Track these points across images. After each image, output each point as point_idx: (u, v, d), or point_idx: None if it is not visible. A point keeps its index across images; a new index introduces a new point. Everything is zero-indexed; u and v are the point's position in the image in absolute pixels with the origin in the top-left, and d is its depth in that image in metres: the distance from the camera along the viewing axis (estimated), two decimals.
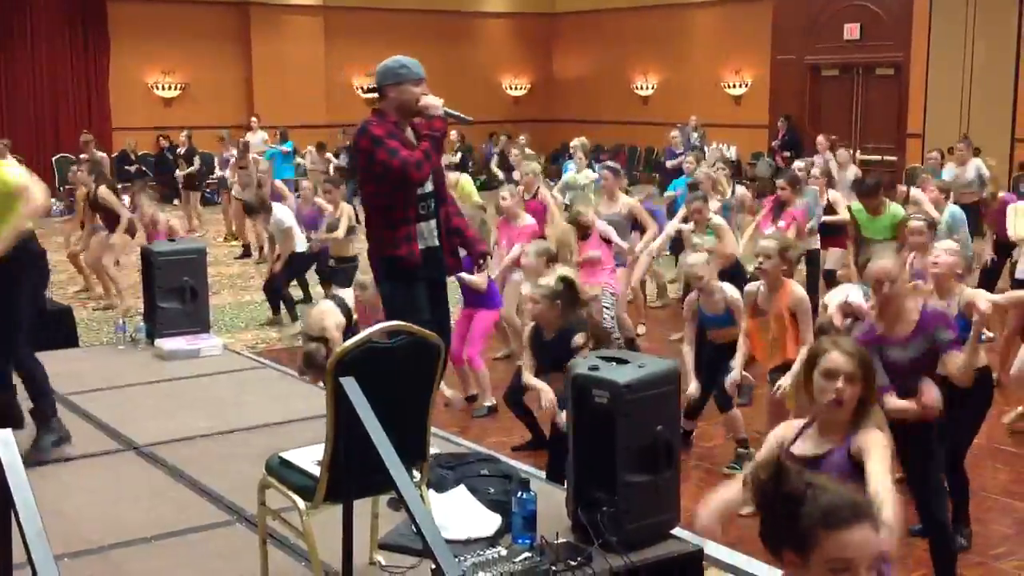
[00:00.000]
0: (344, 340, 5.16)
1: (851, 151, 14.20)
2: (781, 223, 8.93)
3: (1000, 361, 7.26)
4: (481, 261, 5.46)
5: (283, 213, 10.19)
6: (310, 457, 3.86)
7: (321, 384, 5.46)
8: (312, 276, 10.71)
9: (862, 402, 3.25)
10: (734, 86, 22.14)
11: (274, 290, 10.23)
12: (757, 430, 6.29)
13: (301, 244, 10.06)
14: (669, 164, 15.19)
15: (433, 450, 4.35)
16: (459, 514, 4.37)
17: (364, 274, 6.65)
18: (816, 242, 9.46)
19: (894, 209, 8.56)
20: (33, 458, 5.07)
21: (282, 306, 10.28)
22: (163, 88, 21.78)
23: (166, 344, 7.32)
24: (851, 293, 5.48)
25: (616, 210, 8.84)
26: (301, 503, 3.73)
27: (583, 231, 8.06)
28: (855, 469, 3.14)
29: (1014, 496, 6.00)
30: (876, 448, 3.14)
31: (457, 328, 6.94)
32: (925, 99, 17.86)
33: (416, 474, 3.92)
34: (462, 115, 5.29)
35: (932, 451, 4.61)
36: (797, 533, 2.07)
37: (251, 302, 11.36)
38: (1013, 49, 16.65)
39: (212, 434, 5.77)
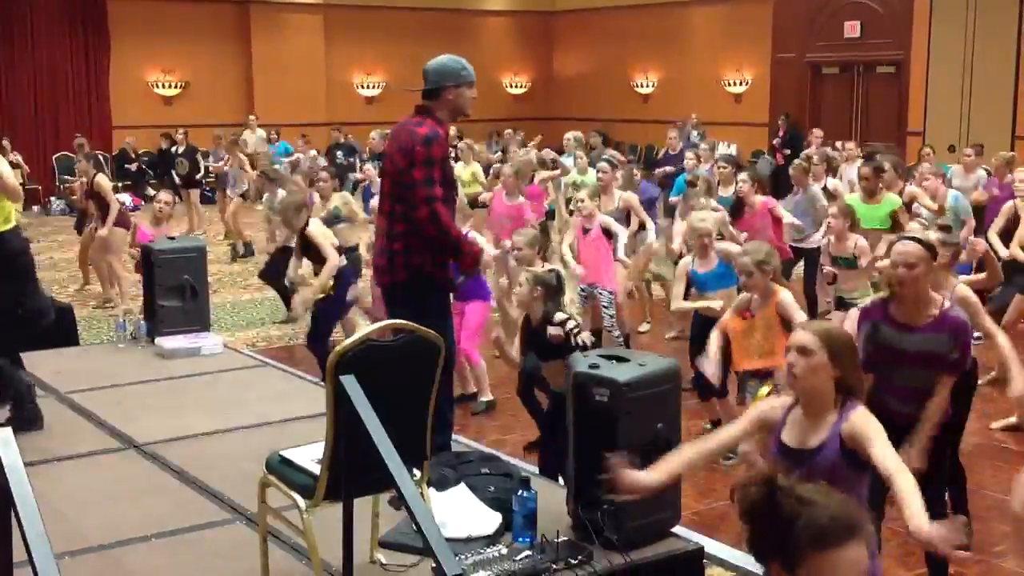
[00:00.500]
0: None
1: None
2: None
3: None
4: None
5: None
6: (310, 455, 3.86)
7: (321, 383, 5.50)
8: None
9: (844, 386, 3.21)
10: (734, 84, 22.13)
11: (272, 277, 10.07)
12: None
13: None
14: (668, 169, 15.13)
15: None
16: (459, 512, 4.37)
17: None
18: (814, 242, 9.38)
19: (891, 198, 8.55)
20: None
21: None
22: (163, 86, 21.76)
23: (166, 342, 7.32)
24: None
25: (613, 206, 8.86)
26: (301, 501, 3.73)
27: (584, 225, 8.09)
28: (850, 461, 3.12)
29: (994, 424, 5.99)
30: (870, 431, 3.11)
31: None
32: (925, 97, 17.85)
33: (416, 472, 3.92)
34: None
35: (940, 462, 4.48)
36: (786, 551, 2.04)
37: (251, 300, 11.35)
38: (1013, 47, 16.64)
39: (212, 432, 5.77)
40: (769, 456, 3.33)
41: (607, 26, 24.17)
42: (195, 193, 16.78)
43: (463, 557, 3.89)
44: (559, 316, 5.29)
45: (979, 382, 7.40)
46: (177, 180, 16.83)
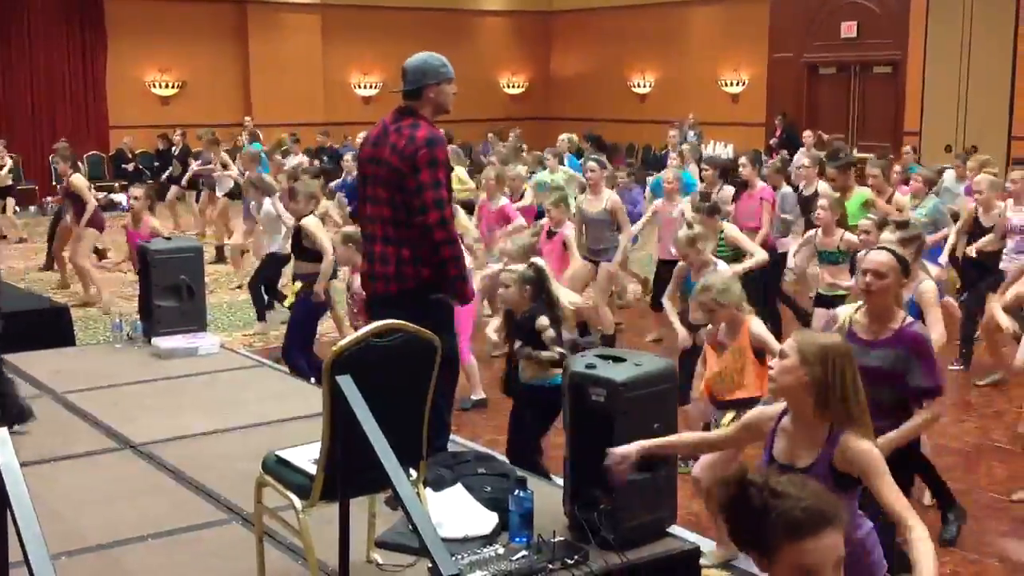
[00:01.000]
0: None
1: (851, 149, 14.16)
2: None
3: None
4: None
5: (276, 204, 10.13)
6: (307, 456, 3.86)
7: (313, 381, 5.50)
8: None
9: (828, 400, 3.11)
10: (731, 84, 22.14)
11: (256, 289, 10.07)
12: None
13: (276, 245, 9.79)
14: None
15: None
16: (456, 512, 4.37)
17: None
18: (785, 245, 9.35)
19: (860, 192, 8.57)
20: None
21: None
22: (160, 86, 21.75)
23: (163, 342, 7.31)
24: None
25: (601, 207, 8.91)
26: (298, 501, 3.73)
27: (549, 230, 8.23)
28: (839, 484, 3.07)
29: (1010, 494, 6.00)
30: (871, 467, 3.07)
31: None
32: (922, 97, 17.87)
33: (413, 472, 3.92)
34: None
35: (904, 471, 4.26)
36: (761, 542, 2.12)
37: (248, 300, 11.33)
38: (1010, 47, 16.65)
39: (209, 432, 5.76)
40: (758, 468, 3.30)
41: (604, 26, 24.18)
42: (189, 195, 16.65)
43: (459, 557, 3.89)
44: (542, 321, 5.36)
45: (980, 382, 7.43)
46: (169, 181, 16.75)
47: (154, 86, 21.73)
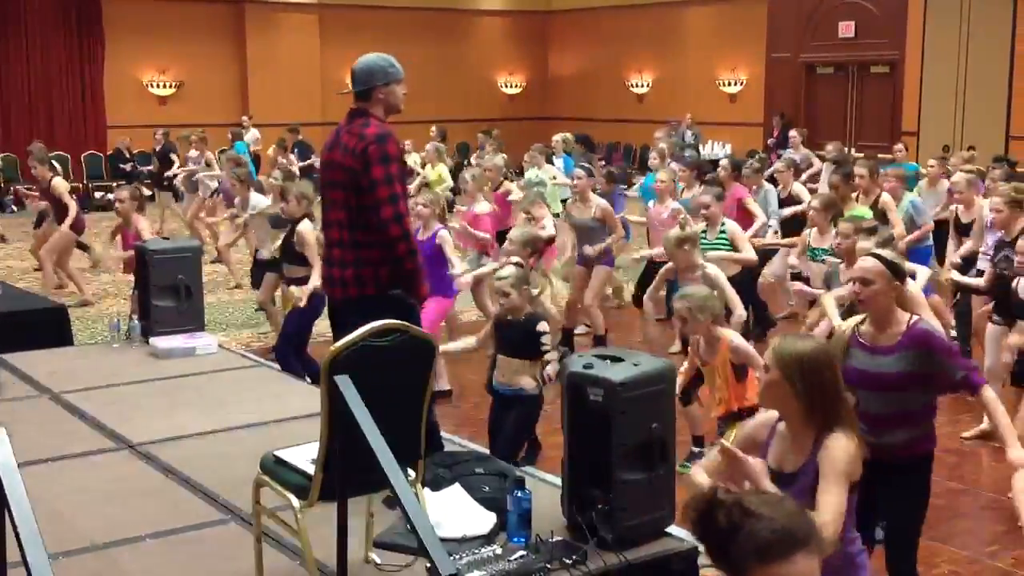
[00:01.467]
0: None
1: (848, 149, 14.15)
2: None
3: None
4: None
5: (262, 200, 10.13)
6: (305, 455, 3.86)
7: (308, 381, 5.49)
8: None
9: (817, 409, 3.13)
10: (729, 84, 22.16)
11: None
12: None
13: (265, 246, 9.62)
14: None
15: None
16: (454, 512, 4.37)
17: None
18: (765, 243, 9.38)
19: (860, 210, 8.54)
20: None
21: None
22: (158, 86, 21.75)
23: (161, 342, 7.30)
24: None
25: (589, 214, 8.92)
26: (296, 501, 3.73)
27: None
28: None
29: (1007, 493, 6.00)
30: (828, 466, 3.08)
31: None
32: (920, 97, 17.89)
33: (411, 472, 3.92)
34: None
35: (922, 502, 4.23)
36: (732, 563, 2.01)
37: (245, 300, 11.34)
38: (1008, 47, 16.67)
39: (207, 432, 5.76)
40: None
41: (602, 26, 24.19)
42: (167, 196, 16.38)
43: (458, 557, 3.89)
44: (543, 327, 5.39)
45: (964, 436, 7.38)
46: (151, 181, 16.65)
47: (151, 86, 21.72)
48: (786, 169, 10.24)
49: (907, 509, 4.18)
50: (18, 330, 7.50)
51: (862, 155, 16.85)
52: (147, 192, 15.64)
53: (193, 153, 14.89)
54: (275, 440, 4.76)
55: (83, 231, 11.43)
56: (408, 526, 3.29)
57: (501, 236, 9.40)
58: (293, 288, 7.71)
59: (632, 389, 4.04)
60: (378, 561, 4.12)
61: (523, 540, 4.07)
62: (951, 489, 6.08)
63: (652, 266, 8.70)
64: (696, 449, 6.30)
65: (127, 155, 20.34)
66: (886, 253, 4.30)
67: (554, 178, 11.70)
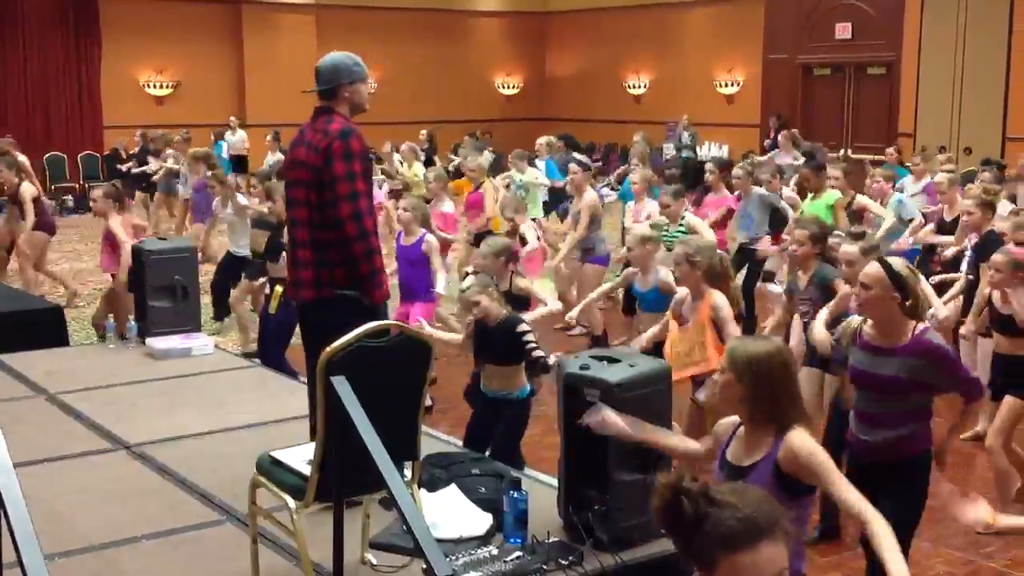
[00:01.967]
0: None
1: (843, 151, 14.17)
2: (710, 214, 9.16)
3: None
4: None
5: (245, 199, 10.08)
6: (301, 456, 3.86)
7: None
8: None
9: (772, 411, 3.16)
10: (726, 85, 22.17)
11: (220, 291, 9.98)
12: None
13: (239, 245, 9.57)
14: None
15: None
16: (450, 513, 4.37)
17: None
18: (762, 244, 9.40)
19: (831, 193, 8.61)
20: None
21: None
22: (155, 86, 21.73)
23: (157, 343, 7.30)
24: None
25: (575, 209, 8.97)
26: (292, 502, 3.73)
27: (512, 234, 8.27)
28: (783, 488, 3.07)
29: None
30: (819, 468, 3.09)
31: None
32: (916, 98, 17.90)
33: (407, 473, 3.92)
34: None
35: (913, 503, 4.21)
36: (698, 553, 2.01)
37: None
38: (1004, 48, 16.69)
39: (203, 433, 5.75)
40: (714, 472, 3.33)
41: (600, 27, 24.20)
42: (145, 196, 16.33)
43: (454, 558, 3.89)
44: (523, 327, 5.35)
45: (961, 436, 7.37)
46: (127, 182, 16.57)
47: (149, 86, 21.71)
48: (773, 178, 10.22)
49: (898, 509, 4.18)
50: (14, 330, 7.49)
51: (839, 156, 16.95)
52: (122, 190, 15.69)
53: (169, 152, 14.93)
54: (272, 441, 4.75)
55: (54, 231, 11.29)
56: (404, 527, 3.29)
57: (479, 238, 9.48)
58: (279, 287, 7.69)
59: (629, 390, 4.04)
60: (374, 562, 4.12)
61: (519, 541, 4.08)
62: (948, 490, 6.08)
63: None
64: None
65: (124, 155, 20.30)
66: (895, 262, 4.24)
67: (536, 179, 11.74)
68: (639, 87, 24.05)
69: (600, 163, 20.60)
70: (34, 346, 7.35)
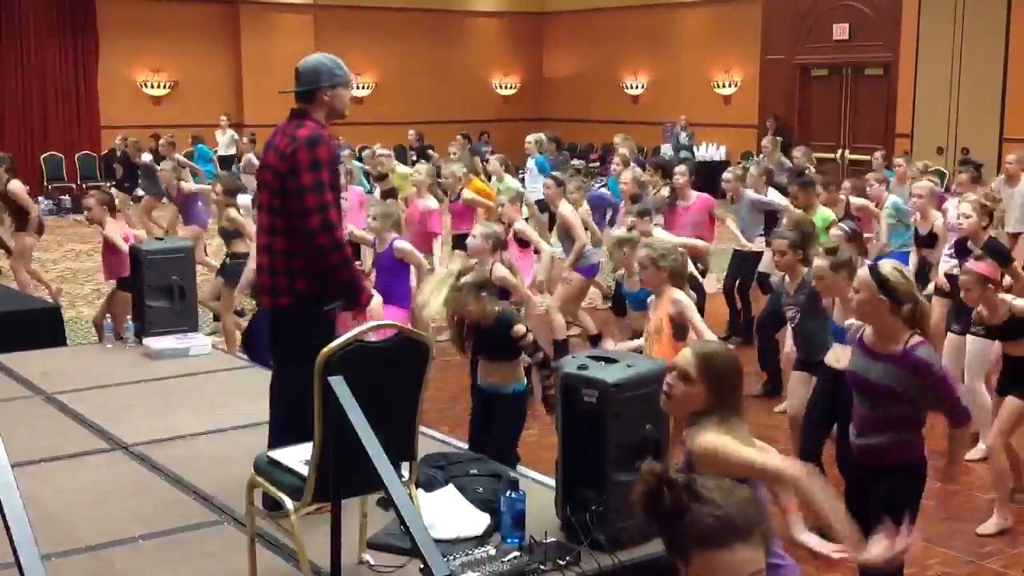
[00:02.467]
0: None
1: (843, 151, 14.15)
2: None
3: None
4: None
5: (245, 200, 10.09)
6: (298, 456, 3.85)
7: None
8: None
9: (707, 409, 3.14)
10: (723, 86, 22.17)
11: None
12: None
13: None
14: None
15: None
16: (448, 513, 4.37)
17: None
18: (757, 245, 9.39)
19: (823, 213, 8.57)
20: None
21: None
22: (152, 86, 21.72)
23: (154, 343, 7.29)
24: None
25: (559, 223, 8.94)
26: (289, 503, 3.73)
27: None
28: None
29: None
30: (716, 453, 3.04)
31: None
32: (914, 99, 17.90)
33: (404, 473, 3.92)
34: None
35: (906, 510, 4.13)
36: (676, 545, 2.02)
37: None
38: (1001, 49, 16.69)
39: (201, 433, 5.75)
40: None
41: (597, 27, 24.19)
42: (123, 197, 16.35)
43: (451, 558, 3.90)
44: (519, 328, 5.34)
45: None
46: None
47: (146, 86, 21.69)
48: (759, 177, 10.18)
49: (894, 515, 4.17)
50: (11, 330, 7.49)
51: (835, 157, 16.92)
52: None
53: (147, 157, 14.95)
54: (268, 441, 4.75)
55: (43, 233, 11.27)
56: (402, 527, 3.29)
57: (460, 240, 9.50)
58: None
59: (626, 390, 4.04)
60: (372, 562, 4.12)
61: (517, 541, 4.08)
62: (945, 491, 6.09)
63: None
64: None
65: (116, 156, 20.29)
66: (885, 266, 4.22)
67: (515, 188, 11.73)
68: (636, 87, 24.05)
69: (598, 164, 20.58)
70: (31, 346, 7.35)
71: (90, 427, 5.85)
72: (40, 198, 19.17)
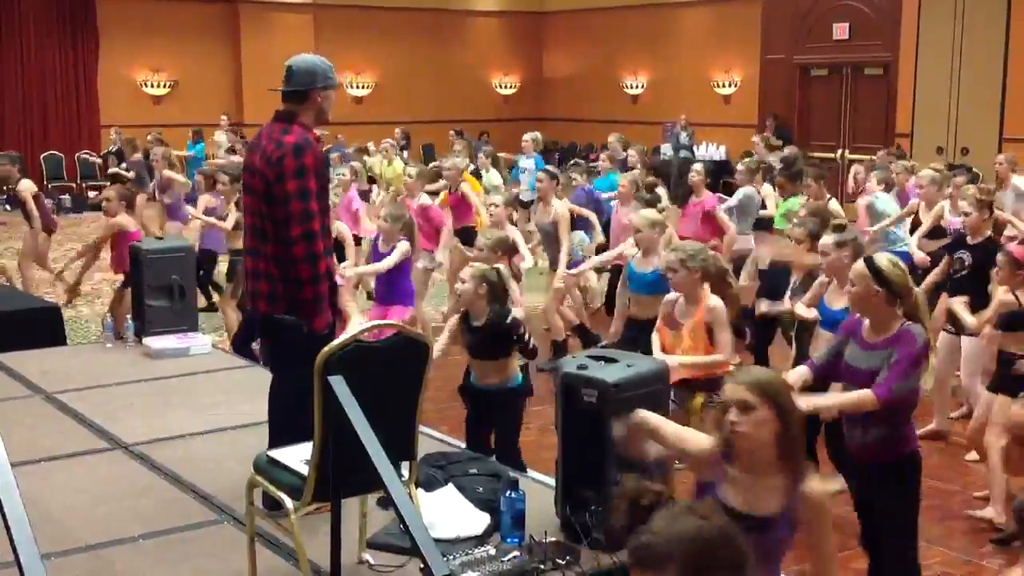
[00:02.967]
0: None
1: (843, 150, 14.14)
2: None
3: None
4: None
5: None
6: (298, 456, 3.86)
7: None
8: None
9: (786, 442, 2.94)
10: (723, 85, 22.15)
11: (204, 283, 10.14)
12: None
13: (216, 242, 9.74)
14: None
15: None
16: (448, 513, 4.37)
17: None
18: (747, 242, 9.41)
19: (791, 200, 8.61)
20: None
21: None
22: (152, 86, 21.71)
23: (154, 342, 7.29)
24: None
25: (549, 219, 8.93)
26: (289, 502, 3.73)
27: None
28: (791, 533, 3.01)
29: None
30: (820, 526, 2.99)
31: None
32: (913, 99, 17.89)
33: (404, 472, 3.92)
34: None
35: (907, 524, 4.22)
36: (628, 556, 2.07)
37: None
38: (1001, 49, 16.69)
39: (201, 433, 5.75)
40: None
41: (597, 27, 24.18)
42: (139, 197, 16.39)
43: (451, 557, 3.90)
44: (513, 323, 5.33)
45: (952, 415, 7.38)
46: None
47: (146, 85, 21.68)
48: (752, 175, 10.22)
49: (893, 511, 4.18)
50: (10, 329, 7.49)
51: (836, 156, 16.90)
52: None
53: (136, 156, 14.99)
54: (268, 441, 4.74)
55: (54, 232, 11.35)
56: (402, 527, 3.29)
57: (456, 233, 9.54)
58: None
59: (626, 390, 4.04)
60: (372, 562, 4.12)
61: (517, 541, 4.08)
62: (944, 490, 6.09)
63: (618, 269, 8.69)
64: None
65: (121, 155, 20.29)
66: (880, 258, 4.23)
67: (496, 185, 11.82)
68: (636, 87, 24.04)
69: (597, 163, 20.58)
70: (31, 345, 7.34)
71: (90, 426, 5.85)
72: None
